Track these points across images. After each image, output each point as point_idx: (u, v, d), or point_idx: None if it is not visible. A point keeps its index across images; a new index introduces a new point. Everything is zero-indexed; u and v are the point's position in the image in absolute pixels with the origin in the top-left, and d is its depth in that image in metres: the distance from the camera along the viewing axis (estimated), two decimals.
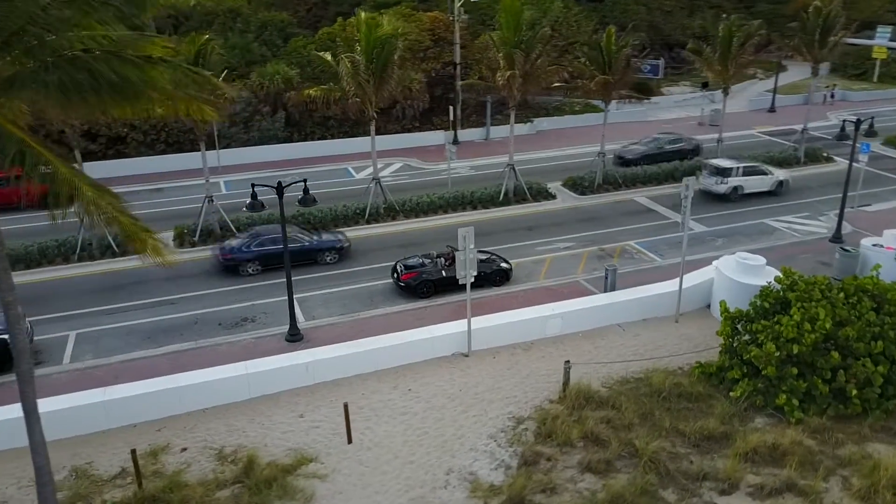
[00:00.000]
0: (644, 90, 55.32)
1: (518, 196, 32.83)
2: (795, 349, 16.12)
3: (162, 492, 14.02)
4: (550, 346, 19.98)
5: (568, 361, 17.30)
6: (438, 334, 19.36)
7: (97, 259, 26.68)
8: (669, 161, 36.86)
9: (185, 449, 15.83)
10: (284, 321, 21.54)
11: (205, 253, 27.30)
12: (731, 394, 16.77)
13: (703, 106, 50.62)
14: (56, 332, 21.63)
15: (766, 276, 19.88)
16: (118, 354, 20.44)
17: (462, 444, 15.60)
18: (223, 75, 28.18)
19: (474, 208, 31.96)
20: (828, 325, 16.31)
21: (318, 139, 41.54)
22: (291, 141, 41.04)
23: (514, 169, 32.65)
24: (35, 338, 20.96)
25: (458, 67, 43.39)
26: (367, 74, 28.06)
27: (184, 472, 14.94)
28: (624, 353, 19.60)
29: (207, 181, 28.72)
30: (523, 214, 31.65)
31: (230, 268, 25.48)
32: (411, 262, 24.46)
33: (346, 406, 15.62)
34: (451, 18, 43.73)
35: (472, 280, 18.95)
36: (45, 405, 15.86)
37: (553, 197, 33.45)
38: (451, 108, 40.81)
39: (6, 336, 18.80)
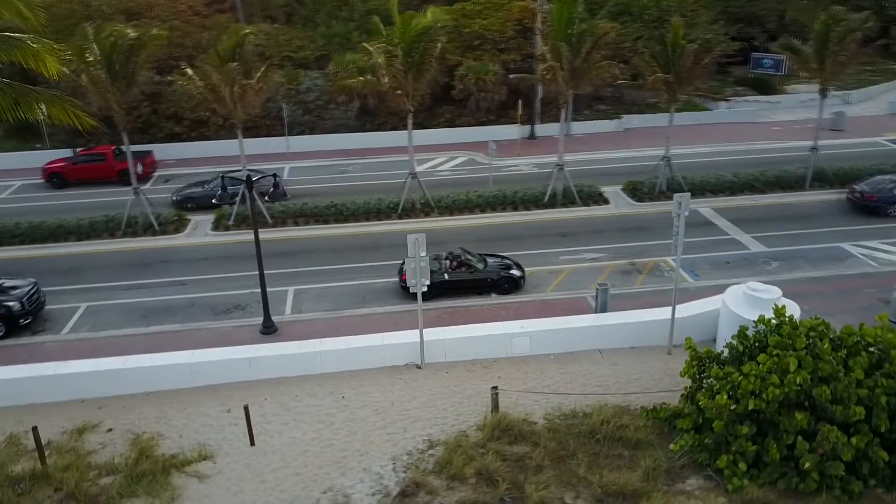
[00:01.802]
0: (763, 87, 50.57)
1: (566, 199, 30.94)
2: (752, 404, 13.76)
3: (59, 470, 14.59)
4: (512, 367, 18.54)
5: (496, 387, 15.94)
6: (390, 342, 18.62)
7: (139, 236, 28.50)
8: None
9: (110, 430, 16.39)
10: (274, 311, 21.79)
11: (240, 236, 28.18)
12: (671, 446, 14.67)
13: (830, 108, 44.93)
14: (70, 303, 23.32)
15: (772, 306, 17.27)
16: (110, 329, 21.67)
17: (360, 462, 14.84)
18: (263, 68, 28.76)
19: (515, 209, 30.53)
20: (799, 380, 13.74)
21: (390, 129, 41.59)
22: (363, 130, 41.43)
23: (562, 169, 30.80)
24: (48, 307, 22.80)
25: (536, 60, 41.51)
26: (405, 67, 27.52)
27: (95, 453, 15.47)
28: (591, 382, 17.75)
29: (242, 166, 29.64)
30: (564, 219, 29.79)
31: None
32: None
33: (246, 408, 15.39)
34: (535, 7, 41.90)
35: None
36: (4, 372, 17.25)
37: (605, 202, 31.18)
38: (519, 101, 39.17)
39: (12, 303, 20.71)
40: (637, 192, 31.61)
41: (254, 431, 15.60)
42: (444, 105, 42.29)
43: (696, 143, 39.45)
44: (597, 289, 20.21)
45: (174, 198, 31.87)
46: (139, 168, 35.35)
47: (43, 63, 14.80)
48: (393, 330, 20.19)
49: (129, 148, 29.08)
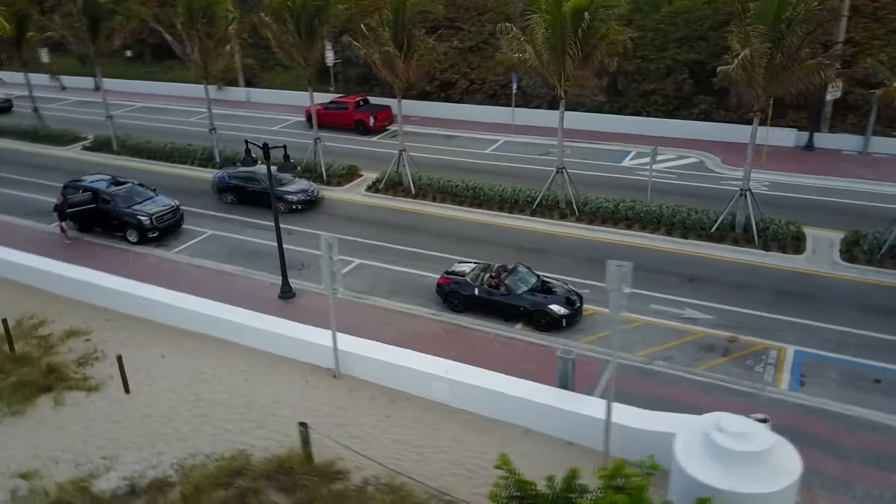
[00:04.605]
0: None
1: (746, 234, 23.78)
2: None
3: (14, 360, 17.81)
4: (417, 410, 15.69)
5: (305, 424, 13.85)
6: (302, 338, 17.54)
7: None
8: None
9: (88, 340, 19.18)
10: (318, 278, 22.25)
11: (385, 201, 28.88)
12: None
13: None
14: (202, 228, 27.08)
15: (757, 464, 11.41)
16: (201, 258, 24.49)
17: (156, 442, 14.68)
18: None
19: (668, 233, 24.63)
20: None
21: (631, 114, 36.67)
22: (600, 111, 37.35)
23: (747, 196, 23.66)
24: (186, 226, 27.02)
25: (842, 47, 31.44)
26: (552, 46, 24.03)
27: (52, 350, 18.42)
28: (463, 463, 14.14)
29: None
30: (716, 259, 23.03)
31: None
32: (461, 267, 21.44)
33: (119, 358, 16.41)
34: None
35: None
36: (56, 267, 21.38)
37: (799, 251, 23.04)
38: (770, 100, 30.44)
39: (143, 218, 25.11)
40: (855, 246, 22.56)
41: (133, 381, 16.72)
42: (702, 94, 35.40)
43: None
44: (559, 357, 15.51)
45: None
46: (371, 120, 38.44)
47: None
48: (389, 331, 19.01)
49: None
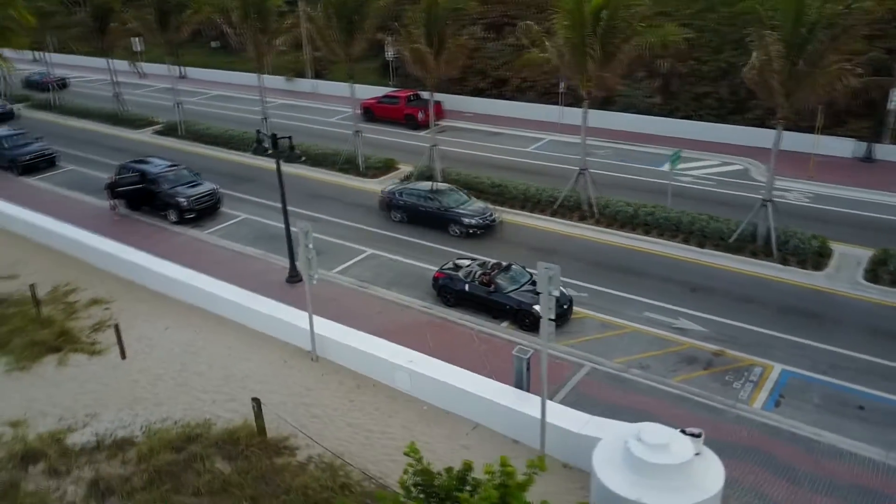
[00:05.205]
0: None
1: (765, 247, 22.86)
2: None
3: (37, 321, 19.70)
4: (379, 397, 16.29)
5: (257, 399, 14.68)
6: (287, 320, 18.47)
7: (347, 174, 32.27)
8: None
9: (107, 309, 20.90)
10: (330, 263, 23.33)
11: None
12: None
13: None
14: (239, 212, 28.59)
15: (671, 477, 11.45)
16: (229, 240, 25.86)
17: (135, 406, 15.98)
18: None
19: (685, 241, 23.99)
20: None
21: (682, 117, 35.58)
22: (650, 114, 36.42)
23: (768, 207, 22.74)
24: (224, 208, 28.66)
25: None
26: (583, 44, 23.85)
27: (74, 315, 20.26)
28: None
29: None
30: (728, 271, 22.27)
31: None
32: (459, 261, 21.81)
33: (116, 326, 17.86)
34: None
35: None
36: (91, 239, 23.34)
37: (819, 267, 21.93)
38: (819, 107, 28.74)
39: (181, 200, 26.95)
40: (882, 265, 21.24)
41: (133, 349, 18.19)
42: (757, 100, 33.79)
43: None
44: (514, 356, 15.61)
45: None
46: (420, 115, 39.14)
47: None
48: (379, 319, 19.77)
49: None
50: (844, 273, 21.69)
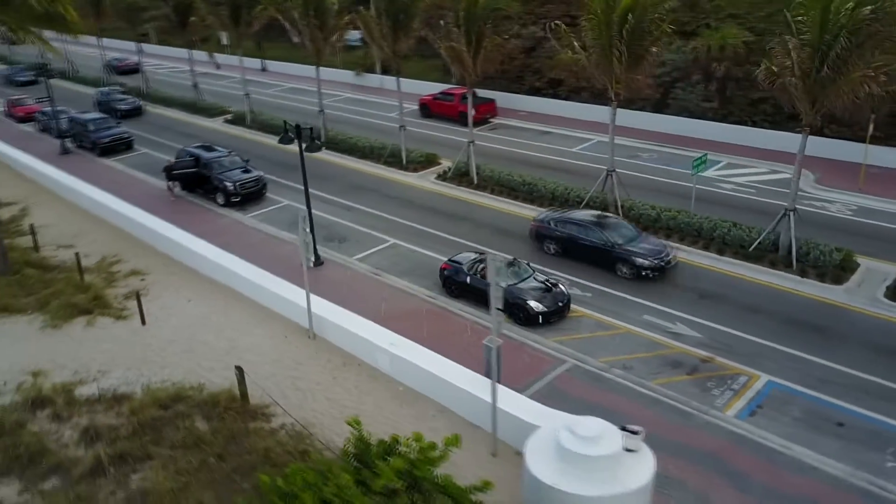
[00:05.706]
0: None
1: (786, 257, 22.20)
2: None
3: (78, 287, 21.82)
4: (361, 376, 17.22)
5: (240, 367, 15.87)
6: (290, 298, 19.61)
7: (391, 167, 33.39)
8: None
9: (143, 280, 22.85)
10: (353, 250, 24.54)
11: (450, 190, 30.29)
12: None
13: None
14: (281, 197, 30.25)
15: (594, 468, 11.92)
16: (265, 224, 27.50)
17: (138, 368, 17.58)
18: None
19: (705, 248, 23.60)
20: None
21: (735, 122, 34.53)
22: (703, 118, 35.51)
23: (790, 215, 22.09)
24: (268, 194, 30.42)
25: None
26: (609, 46, 23.93)
27: (112, 283, 22.33)
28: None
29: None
30: (743, 279, 21.82)
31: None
32: (466, 254, 22.40)
33: (138, 294, 19.60)
34: None
35: None
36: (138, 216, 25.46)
37: (839, 281, 21.11)
38: (871, 115, 27.27)
39: (228, 184, 28.92)
40: None
41: (154, 317, 19.94)
42: None
43: None
44: (483, 344, 16.06)
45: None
46: (473, 112, 39.74)
47: None
48: (384, 305, 20.77)
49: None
50: (865, 289, 20.82)
